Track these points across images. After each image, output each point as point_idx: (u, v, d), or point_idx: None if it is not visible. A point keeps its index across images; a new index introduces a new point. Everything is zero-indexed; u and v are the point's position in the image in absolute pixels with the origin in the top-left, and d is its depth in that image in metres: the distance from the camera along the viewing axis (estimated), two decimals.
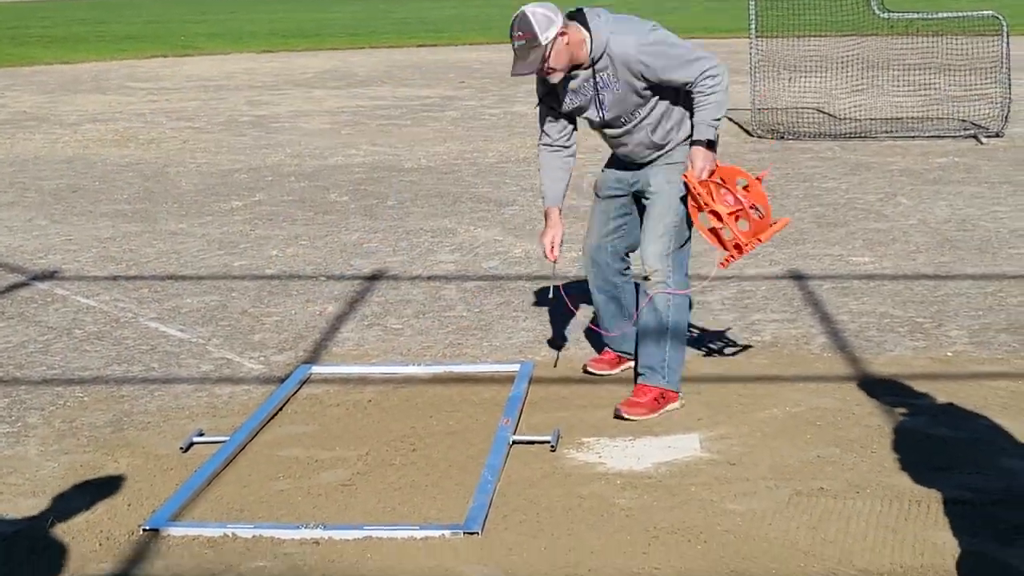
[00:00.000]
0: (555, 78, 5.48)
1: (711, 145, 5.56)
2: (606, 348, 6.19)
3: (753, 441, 5.24)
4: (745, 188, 5.49)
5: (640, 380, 5.66)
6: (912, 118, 14.44)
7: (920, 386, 5.81)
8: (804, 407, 5.62)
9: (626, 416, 5.51)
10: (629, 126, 5.62)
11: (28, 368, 6.50)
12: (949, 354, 6.34)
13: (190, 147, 14.25)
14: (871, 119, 14.37)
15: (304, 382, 6.14)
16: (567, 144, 5.80)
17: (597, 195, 5.98)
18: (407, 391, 6.01)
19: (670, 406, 5.59)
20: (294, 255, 8.86)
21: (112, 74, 23.54)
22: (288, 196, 11.11)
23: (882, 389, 5.80)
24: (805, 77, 15.55)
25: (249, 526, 4.52)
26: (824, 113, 14.83)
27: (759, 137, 13.77)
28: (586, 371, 6.11)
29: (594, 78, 5.50)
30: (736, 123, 14.67)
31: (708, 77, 5.47)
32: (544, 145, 5.82)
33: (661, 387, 5.58)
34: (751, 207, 5.45)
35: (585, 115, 5.68)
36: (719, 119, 5.55)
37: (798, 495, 4.70)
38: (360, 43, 30.00)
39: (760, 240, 5.51)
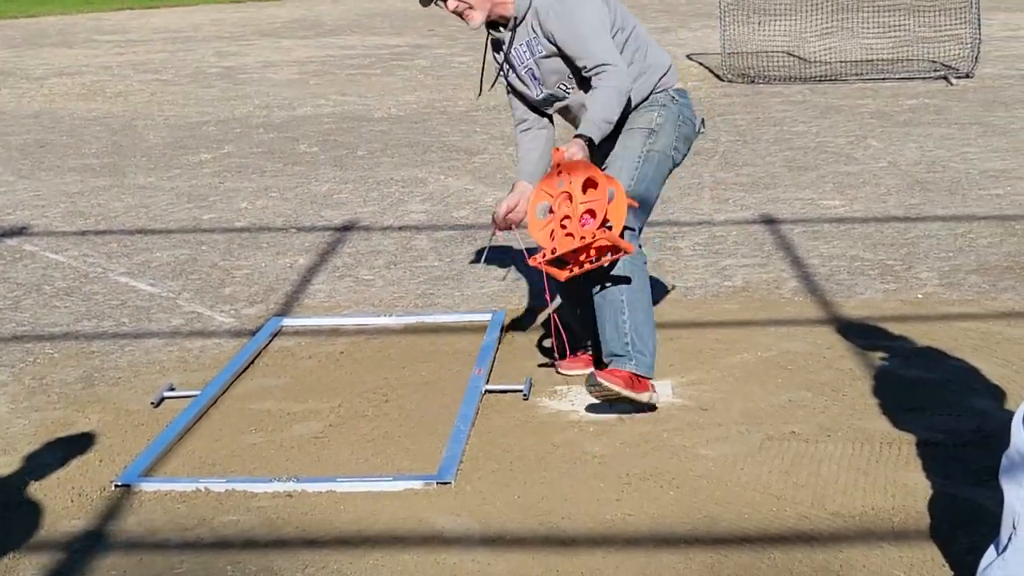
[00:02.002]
0: (474, 21, 4.99)
1: (592, 146, 4.90)
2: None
3: (725, 386, 5.25)
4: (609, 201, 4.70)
5: (610, 367, 4.96)
6: (882, 60, 14.43)
7: (891, 328, 5.83)
8: (775, 351, 5.63)
9: (601, 382, 4.79)
10: (570, 97, 5.10)
11: None
12: (919, 296, 6.36)
13: (158, 100, 14.14)
14: (841, 62, 14.35)
15: (275, 335, 6.12)
16: (540, 123, 5.29)
17: None
18: (379, 342, 6.00)
19: (644, 395, 4.90)
20: (264, 207, 8.81)
21: (78, 27, 23.32)
22: (257, 148, 11.05)
23: (853, 332, 5.81)
24: (775, 20, 15.50)
25: (222, 480, 4.51)
26: (794, 56, 14.80)
27: (729, 81, 13.74)
28: (559, 372, 5.43)
29: (513, 44, 5.04)
30: (707, 67, 14.64)
31: (605, 71, 4.86)
32: (518, 127, 5.33)
33: (630, 371, 4.91)
34: (604, 221, 4.69)
35: (521, 91, 5.18)
36: (610, 122, 4.90)
37: (770, 439, 4.71)
38: None
39: (585, 251, 4.72)
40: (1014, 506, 3.11)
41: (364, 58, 17.19)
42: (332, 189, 9.28)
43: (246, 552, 4.04)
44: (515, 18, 5.01)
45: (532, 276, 6.87)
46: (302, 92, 14.29)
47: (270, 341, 6.03)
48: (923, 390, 5.09)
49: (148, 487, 4.49)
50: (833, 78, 13.65)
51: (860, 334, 5.78)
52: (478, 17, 4.99)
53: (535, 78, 5.09)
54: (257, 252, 7.65)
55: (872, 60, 14.45)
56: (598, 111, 4.87)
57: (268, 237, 7.99)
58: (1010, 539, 3.12)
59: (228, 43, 19.75)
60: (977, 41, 13.70)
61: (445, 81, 14.74)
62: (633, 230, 4.94)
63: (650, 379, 4.98)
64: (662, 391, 5.19)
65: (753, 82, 13.63)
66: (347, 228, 8.15)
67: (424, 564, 3.92)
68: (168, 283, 7.07)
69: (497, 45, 5.15)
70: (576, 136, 4.88)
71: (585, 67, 4.92)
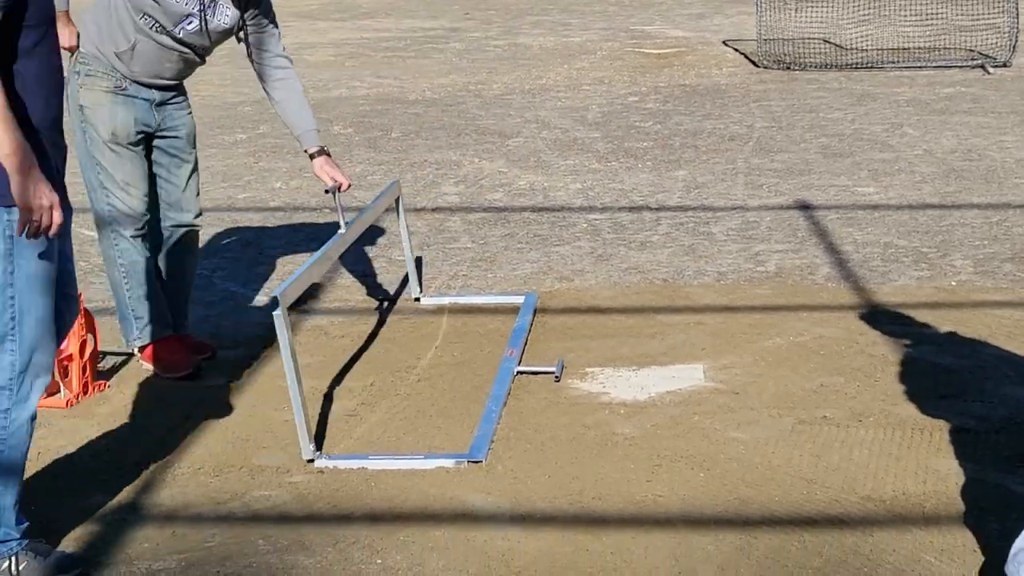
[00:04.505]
0: None
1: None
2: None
3: (757, 370, 5.25)
4: None
5: None
6: (919, 48, 14.35)
7: (924, 315, 5.82)
8: (808, 336, 5.62)
9: None
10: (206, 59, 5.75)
11: None
12: (953, 283, 6.34)
13: (194, 80, 14.14)
14: (878, 49, 14.27)
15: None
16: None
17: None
18: (412, 322, 6.02)
19: None
20: (298, 187, 8.84)
21: None
22: None
23: (886, 318, 5.80)
24: (812, 7, 15.44)
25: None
26: (831, 43, 14.73)
27: (765, 68, 13.68)
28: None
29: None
30: (742, 54, 14.59)
31: (289, 57, 5.63)
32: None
33: None
34: None
35: (180, 30, 5.44)
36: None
37: (801, 423, 4.71)
38: None
39: None
40: None
41: (399, 40, 17.19)
42: (366, 170, 9.30)
43: (278, 526, 4.07)
44: None
45: (565, 259, 6.88)
46: (337, 74, 14.31)
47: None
48: (955, 377, 5.08)
49: (183, 466, 4.52)
50: (869, 65, 13.58)
51: (893, 320, 5.77)
52: None
53: (206, 26, 5.55)
54: (291, 232, 7.68)
55: (909, 48, 14.37)
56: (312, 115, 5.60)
57: (302, 217, 8.02)
58: None
59: None
60: (1015, 30, 13.60)
61: (480, 64, 14.74)
62: None
63: None
64: (693, 374, 5.21)
65: (789, 68, 13.57)
66: None
67: (454, 541, 3.94)
68: (202, 261, 7.10)
69: None
70: (324, 155, 5.45)
71: (275, 53, 5.70)
